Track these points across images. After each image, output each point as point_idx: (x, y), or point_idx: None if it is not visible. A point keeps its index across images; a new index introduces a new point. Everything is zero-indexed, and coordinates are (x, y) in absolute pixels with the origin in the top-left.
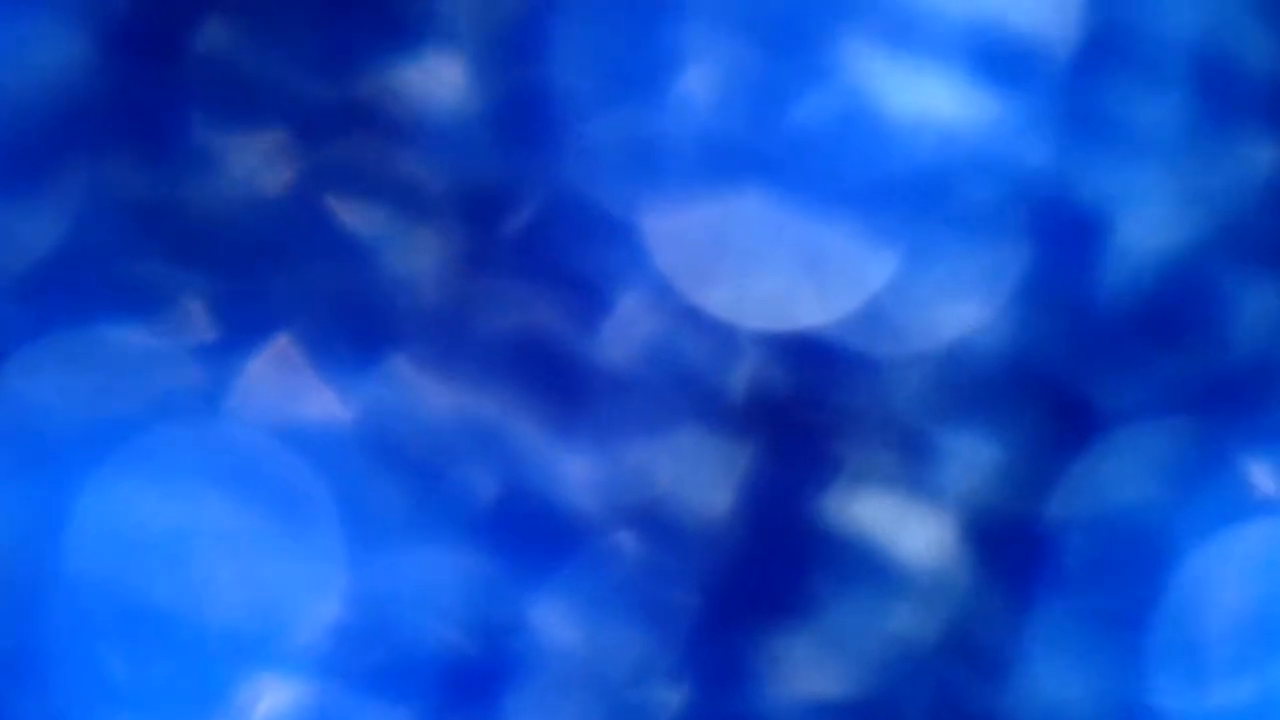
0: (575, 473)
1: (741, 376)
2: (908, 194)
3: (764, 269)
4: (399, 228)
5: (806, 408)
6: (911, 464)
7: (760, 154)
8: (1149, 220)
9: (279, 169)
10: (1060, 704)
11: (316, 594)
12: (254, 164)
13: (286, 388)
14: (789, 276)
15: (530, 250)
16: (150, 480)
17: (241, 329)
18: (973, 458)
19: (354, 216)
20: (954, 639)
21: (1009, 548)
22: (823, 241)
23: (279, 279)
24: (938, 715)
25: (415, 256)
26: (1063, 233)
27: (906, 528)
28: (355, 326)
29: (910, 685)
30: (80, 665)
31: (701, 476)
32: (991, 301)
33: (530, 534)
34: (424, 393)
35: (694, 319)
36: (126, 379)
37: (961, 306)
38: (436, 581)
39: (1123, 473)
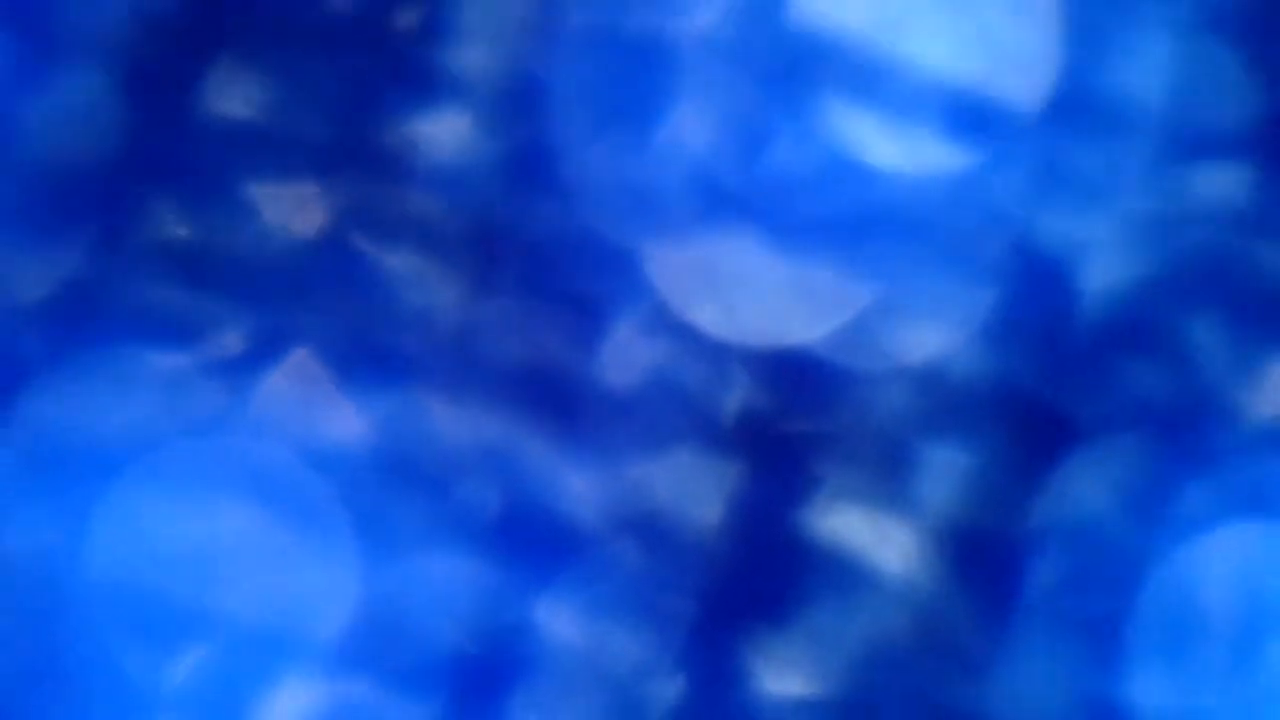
0: (577, 487)
1: (733, 397)
2: (884, 234)
3: (753, 294)
4: (415, 263)
5: (792, 423)
6: (890, 477)
7: (747, 195)
8: (1109, 258)
9: (306, 211)
10: (1035, 708)
11: (332, 601)
12: (283, 208)
13: (306, 407)
14: (776, 299)
15: (535, 281)
16: (171, 496)
17: (263, 353)
18: (950, 471)
19: (375, 253)
20: (931, 643)
21: (984, 558)
22: (806, 272)
23: (302, 309)
24: (915, 712)
25: (430, 288)
26: (1030, 270)
27: (885, 538)
28: (373, 352)
29: (889, 685)
30: (104, 677)
31: (695, 490)
32: (966, 325)
33: (535, 544)
34: (436, 413)
35: (688, 342)
36: (149, 399)
37: (939, 327)
38: (447, 589)
39: (1095, 485)
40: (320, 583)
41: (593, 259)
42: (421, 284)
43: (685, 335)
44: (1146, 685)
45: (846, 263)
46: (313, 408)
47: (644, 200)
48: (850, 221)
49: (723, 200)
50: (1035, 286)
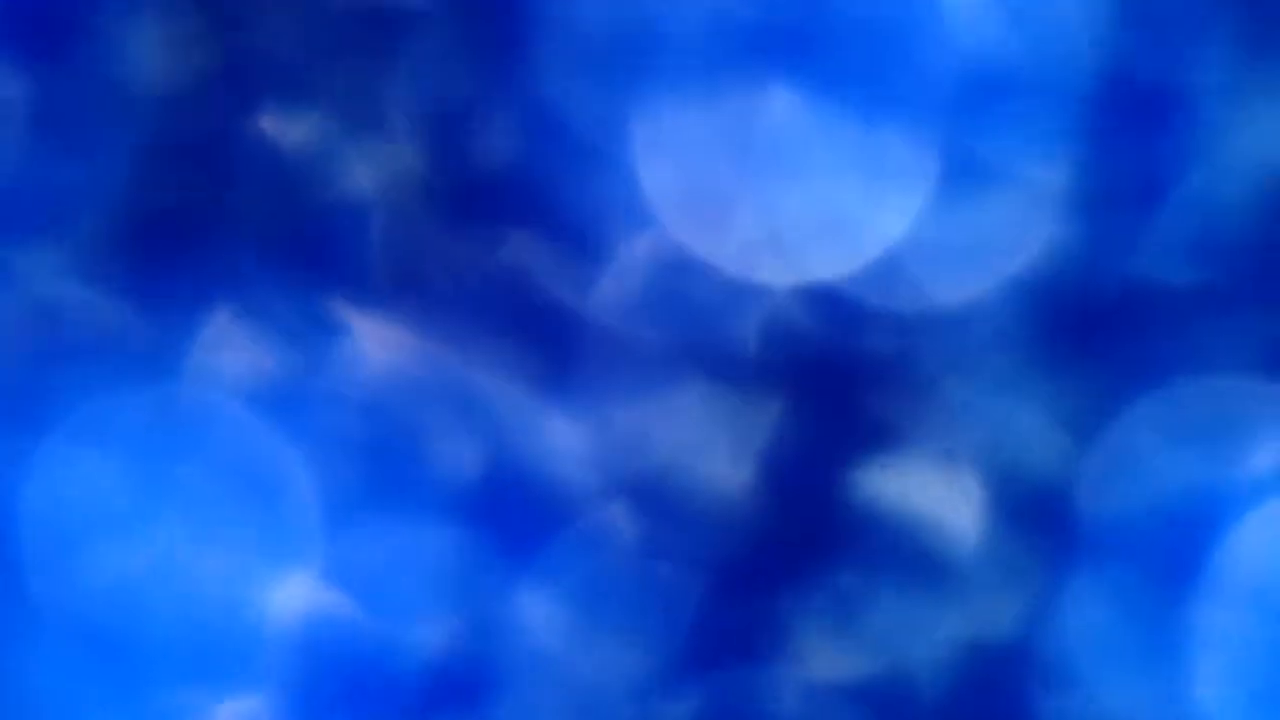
0: (564, 440)
1: (753, 330)
2: (961, 93)
3: (780, 207)
4: (347, 150)
5: (827, 366)
6: (938, 430)
7: (785, 43)
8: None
9: (196, 65)
10: (1098, 690)
11: (282, 579)
12: (167, 59)
13: (236, 347)
14: (810, 214)
15: (505, 176)
16: (108, 453)
17: (179, 274)
18: (1004, 421)
19: (294, 134)
20: (989, 620)
21: (1045, 515)
22: (859, 151)
23: (216, 212)
24: (968, 703)
25: (369, 186)
26: (1129, 130)
27: (939, 500)
28: (303, 272)
29: (939, 671)
30: (35, 653)
31: (708, 444)
32: (1028, 250)
33: (514, 511)
34: (397, 355)
35: (697, 264)
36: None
37: (993, 259)
38: (409, 566)
39: (1165, 435)
40: (269, 558)
41: (577, 145)
42: (358, 180)
43: (693, 253)
44: (1210, 650)
45: (907, 141)
46: (252, 348)
47: (646, 58)
48: (917, 81)
49: (750, 55)
50: (1127, 166)
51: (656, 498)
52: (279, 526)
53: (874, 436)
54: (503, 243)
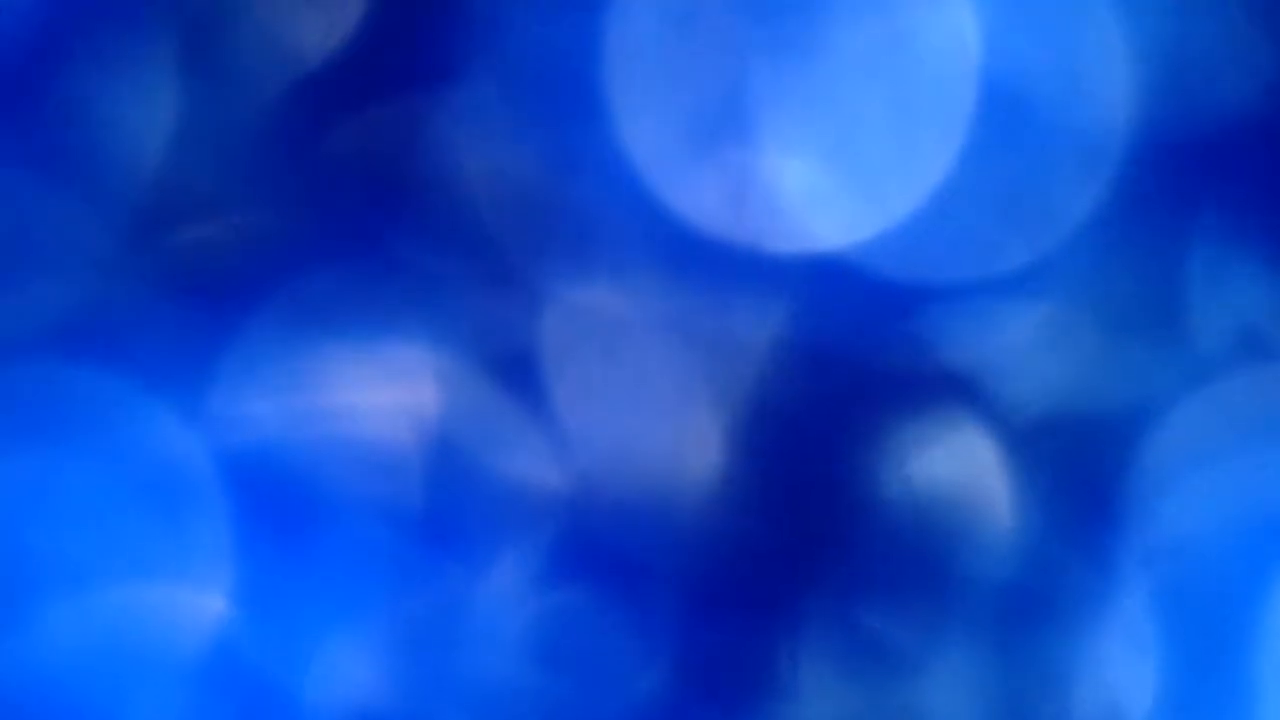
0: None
1: (745, 306)
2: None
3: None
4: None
5: (833, 345)
6: (961, 427)
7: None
8: None
9: None
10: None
11: (198, 603)
12: None
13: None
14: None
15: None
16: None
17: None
18: (1042, 413)
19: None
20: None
21: (1091, 521)
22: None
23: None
24: None
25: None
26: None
27: (962, 507)
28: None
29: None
30: None
31: (694, 442)
32: (1066, 216)
33: (469, 517)
34: (340, 335)
35: (684, 230)
36: None
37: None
38: (350, 580)
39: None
40: (184, 578)
41: (548, 99)
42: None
43: (689, 233)
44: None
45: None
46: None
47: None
48: None
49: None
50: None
51: (632, 501)
52: (187, 540)
53: (890, 432)
54: (455, 196)
